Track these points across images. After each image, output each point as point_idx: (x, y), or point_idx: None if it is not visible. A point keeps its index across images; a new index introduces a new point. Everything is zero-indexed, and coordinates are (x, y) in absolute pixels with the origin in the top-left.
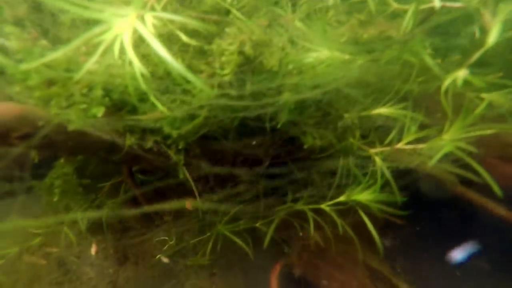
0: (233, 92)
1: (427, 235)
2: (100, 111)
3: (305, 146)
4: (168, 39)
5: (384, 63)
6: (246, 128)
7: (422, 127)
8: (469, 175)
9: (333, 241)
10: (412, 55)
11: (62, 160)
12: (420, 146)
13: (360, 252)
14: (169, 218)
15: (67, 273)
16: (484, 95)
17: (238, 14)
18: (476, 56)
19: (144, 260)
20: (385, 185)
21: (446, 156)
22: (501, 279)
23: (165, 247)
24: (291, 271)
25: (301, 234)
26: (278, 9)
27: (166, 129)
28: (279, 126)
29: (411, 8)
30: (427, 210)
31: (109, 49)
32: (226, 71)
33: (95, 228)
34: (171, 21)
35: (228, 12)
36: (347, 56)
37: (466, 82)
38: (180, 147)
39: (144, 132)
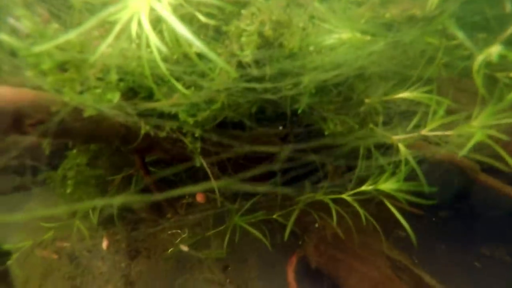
0: (253, 73)
1: (444, 226)
2: (115, 96)
3: (326, 133)
4: (183, 20)
5: (407, 44)
6: (264, 115)
7: (447, 113)
8: (493, 162)
9: (351, 232)
10: (437, 34)
11: (74, 151)
12: (447, 133)
13: (381, 243)
14: (181, 211)
15: (79, 267)
16: None
17: None
18: (509, 31)
19: (156, 254)
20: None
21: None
22: None
23: (177, 240)
24: (307, 263)
25: (317, 225)
26: None
27: (182, 116)
28: (299, 111)
29: None
30: (445, 200)
31: (123, 31)
32: (246, 52)
33: (106, 222)
34: (187, 1)
35: None
36: (368, 37)
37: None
38: (196, 134)
39: (159, 119)
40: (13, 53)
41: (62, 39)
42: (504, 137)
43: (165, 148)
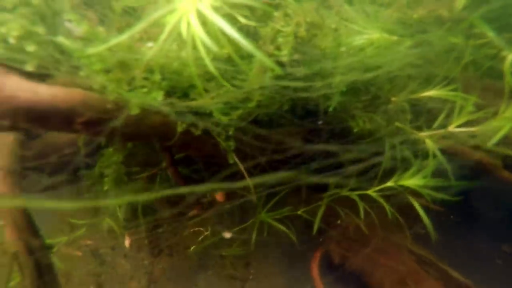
0: (289, 72)
1: (465, 223)
2: (159, 95)
3: (355, 130)
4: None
5: (434, 43)
6: (295, 113)
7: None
8: None
9: (373, 227)
10: (463, 34)
11: (110, 149)
12: (473, 129)
13: (404, 238)
14: (202, 210)
15: (103, 264)
16: None
17: None
18: None
19: (178, 252)
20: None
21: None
22: None
23: (199, 238)
24: (331, 259)
25: (339, 221)
26: None
27: (216, 114)
28: (330, 109)
29: None
30: (464, 196)
31: (165, 33)
32: (284, 52)
33: (128, 220)
34: (226, 3)
35: None
36: (395, 38)
37: None
38: (230, 132)
39: (195, 118)
40: (63, 54)
41: (115, 41)
42: None
43: (199, 146)
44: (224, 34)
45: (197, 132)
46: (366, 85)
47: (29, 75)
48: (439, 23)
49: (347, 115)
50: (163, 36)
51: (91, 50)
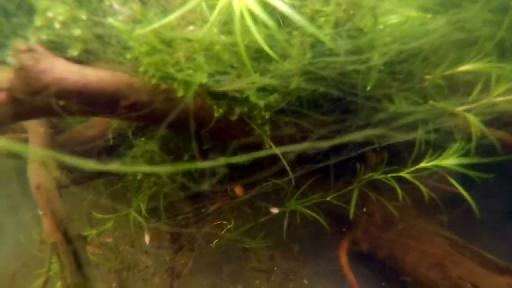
0: (328, 52)
1: (489, 213)
2: (204, 78)
3: (391, 109)
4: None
5: (469, 20)
6: (329, 96)
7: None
8: None
9: (401, 212)
10: (498, 11)
11: (143, 139)
12: None
13: (432, 224)
14: (222, 204)
15: (124, 261)
16: None
17: None
18: None
19: (200, 246)
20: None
21: None
22: None
23: (223, 231)
24: (358, 247)
25: (365, 209)
26: None
27: (253, 98)
28: (368, 87)
29: None
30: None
31: (217, 9)
32: (326, 31)
33: (149, 217)
34: None
35: None
36: (429, 15)
37: None
38: (266, 118)
39: (230, 103)
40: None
41: (162, 22)
42: None
43: (233, 133)
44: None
45: (233, 118)
46: (401, 63)
47: (71, 60)
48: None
49: (382, 95)
50: (214, 14)
51: (140, 30)
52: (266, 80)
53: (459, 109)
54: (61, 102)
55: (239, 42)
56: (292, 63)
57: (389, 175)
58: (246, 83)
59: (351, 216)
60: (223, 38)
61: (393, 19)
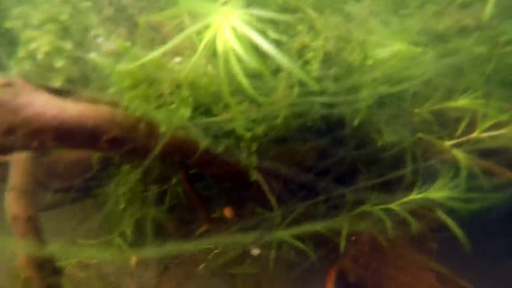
0: (317, 88)
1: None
2: (187, 112)
3: (379, 143)
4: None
5: (459, 54)
6: (318, 129)
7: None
8: None
9: (390, 243)
10: (488, 43)
11: (127, 167)
12: (500, 131)
13: (419, 254)
14: (209, 227)
15: (108, 285)
16: None
17: (310, 11)
18: None
19: (187, 271)
20: None
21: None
22: None
23: (209, 256)
24: (346, 277)
25: (354, 238)
26: (344, 5)
27: (239, 131)
28: (356, 123)
29: None
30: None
31: (200, 47)
32: (314, 66)
33: (135, 239)
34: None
35: (296, 10)
36: (419, 49)
37: None
38: (252, 149)
39: (216, 134)
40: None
41: (148, 57)
42: None
43: (219, 163)
44: (254, 49)
45: (220, 149)
46: (391, 97)
47: (52, 91)
48: (464, 33)
49: (371, 129)
50: (199, 50)
51: (123, 66)
52: (253, 113)
53: (447, 143)
54: (39, 137)
55: (223, 81)
56: (279, 98)
57: (378, 207)
58: (232, 115)
59: (342, 249)
60: (210, 69)
61: (383, 53)
